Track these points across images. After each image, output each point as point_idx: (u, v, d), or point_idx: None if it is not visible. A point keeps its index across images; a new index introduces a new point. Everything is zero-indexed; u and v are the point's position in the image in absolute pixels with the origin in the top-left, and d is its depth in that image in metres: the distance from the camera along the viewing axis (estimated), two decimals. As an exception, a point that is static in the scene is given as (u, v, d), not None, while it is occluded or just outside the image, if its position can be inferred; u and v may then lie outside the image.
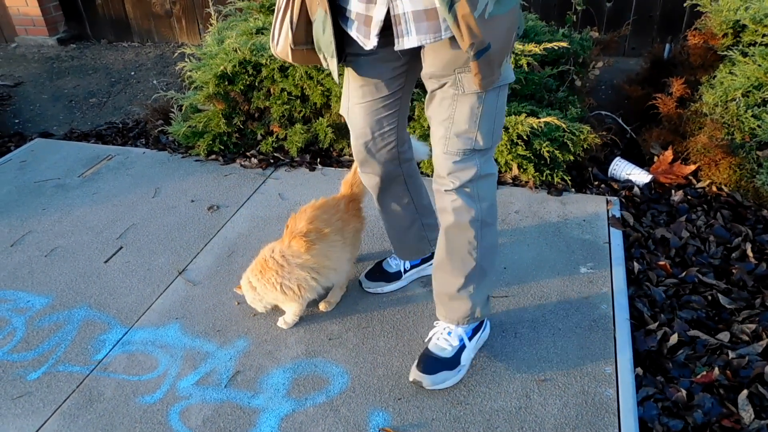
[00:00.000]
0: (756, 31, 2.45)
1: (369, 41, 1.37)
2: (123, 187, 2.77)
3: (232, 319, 1.95)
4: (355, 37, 1.40)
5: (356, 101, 1.61)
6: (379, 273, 2.03)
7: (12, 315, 2.02)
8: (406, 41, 1.32)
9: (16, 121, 3.74)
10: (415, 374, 1.67)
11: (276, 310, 1.95)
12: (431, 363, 1.67)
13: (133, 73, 4.41)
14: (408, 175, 1.80)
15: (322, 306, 1.95)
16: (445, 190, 1.51)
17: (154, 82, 4.19)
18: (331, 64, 1.45)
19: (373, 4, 1.31)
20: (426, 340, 1.75)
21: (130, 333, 1.91)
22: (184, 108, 3.05)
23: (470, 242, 1.55)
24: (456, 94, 1.41)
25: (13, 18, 5.00)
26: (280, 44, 1.49)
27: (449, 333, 1.70)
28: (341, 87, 1.57)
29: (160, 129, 3.23)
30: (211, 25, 3.25)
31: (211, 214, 2.52)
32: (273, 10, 3.21)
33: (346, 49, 1.51)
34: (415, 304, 1.97)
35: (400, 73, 1.56)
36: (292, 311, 1.88)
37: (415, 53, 1.50)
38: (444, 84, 1.40)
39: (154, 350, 1.85)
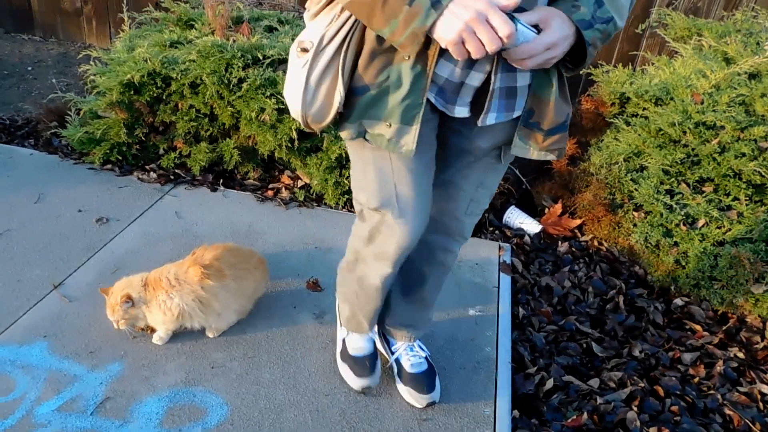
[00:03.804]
0: (638, 104, 2.71)
1: (455, 107, 1.23)
2: (1, 188, 2.54)
3: (108, 340, 1.83)
4: (433, 100, 1.23)
5: (414, 185, 1.35)
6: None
7: None
8: (489, 117, 1.23)
9: None
10: (426, 399, 1.73)
11: (139, 332, 1.85)
12: (429, 380, 1.75)
13: (30, 68, 4.12)
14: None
15: (209, 332, 1.88)
16: (458, 247, 1.62)
17: (53, 81, 3.94)
18: (408, 133, 1.21)
19: (476, 72, 1.17)
20: (397, 369, 1.80)
21: (-12, 350, 1.74)
22: (82, 112, 2.88)
23: (444, 280, 1.73)
24: (492, 163, 1.41)
25: None
26: (320, 103, 1.23)
27: (411, 348, 1.79)
28: (409, 155, 1.22)
29: (53, 131, 3.02)
30: (123, 30, 3.12)
31: (98, 227, 2.37)
32: (191, 25, 3.14)
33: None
34: (305, 336, 1.94)
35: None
36: (164, 329, 1.83)
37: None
38: (486, 155, 1.38)
39: (13, 370, 1.68)
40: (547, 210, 2.79)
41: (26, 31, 4.73)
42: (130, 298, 1.73)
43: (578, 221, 2.70)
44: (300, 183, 2.79)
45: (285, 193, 2.74)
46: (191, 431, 1.57)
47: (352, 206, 2.71)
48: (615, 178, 2.60)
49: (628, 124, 2.72)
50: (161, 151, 2.84)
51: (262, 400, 1.69)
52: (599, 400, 1.85)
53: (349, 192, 2.67)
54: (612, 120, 2.83)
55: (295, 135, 2.53)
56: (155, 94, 2.70)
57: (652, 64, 3.00)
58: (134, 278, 1.79)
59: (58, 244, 2.24)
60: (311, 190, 2.74)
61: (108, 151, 2.77)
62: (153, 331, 1.85)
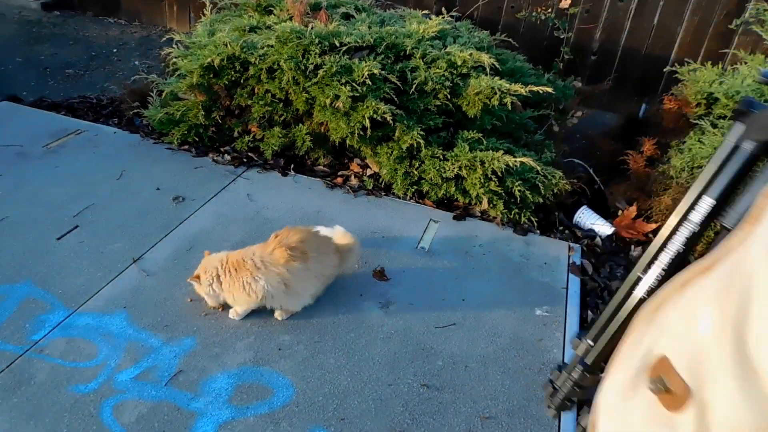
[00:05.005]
0: (727, 105, 2.56)
1: None
2: (88, 164, 2.68)
3: (182, 315, 1.90)
4: None
5: None
6: None
7: (-51, 281, 1.92)
8: None
9: (-16, 80, 3.60)
10: None
11: (222, 310, 1.91)
12: None
13: (115, 50, 4.31)
14: None
15: (277, 314, 1.92)
16: None
17: (136, 62, 4.10)
18: None
19: None
20: None
21: (73, 316, 1.84)
22: (164, 94, 2.99)
23: None
24: None
25: (-2, -25, 4.84)
26: None
27: None
28: None
29: (135, 111, 3.16)
30: (203, 15, 3.21)
31: (175, 205, 2.46)
32: (269, 10, 3.19)
33: None
34: (370, 325, 1.95)
35: None
36: (243, 309, 1.89)
37: None
38: None
39: (96, 337, 1.78)
40: (620, 212, 2.69)
41: (112, 15, 4.95)
42: (198, 278, 1.83)
43: (654, 225, 2.59)
44: (369, 171, 2.80)
45: (354, 181, 2.75)
46: (258, 410, 1.61)
47: (420, 197, 2.70)
48: (697, 183, 2.47)
49: (714, 126, 2.57)
50: (236, 134, 2.91)
51: (327, 385, 1.71)
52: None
53: (418, 183, 2.66)
54: (696, 121, 2.69)
55: (368, 123, 2.53)
56: (233, 78, 2.76)
57: (745, 63, 2.83)
58: (215, 257, 1.87)
59: (137, 219, 2.34)
60: (380, 179, 2.75)
61: (186, 132, 2.86)
62: (224, 309, 1.91)
